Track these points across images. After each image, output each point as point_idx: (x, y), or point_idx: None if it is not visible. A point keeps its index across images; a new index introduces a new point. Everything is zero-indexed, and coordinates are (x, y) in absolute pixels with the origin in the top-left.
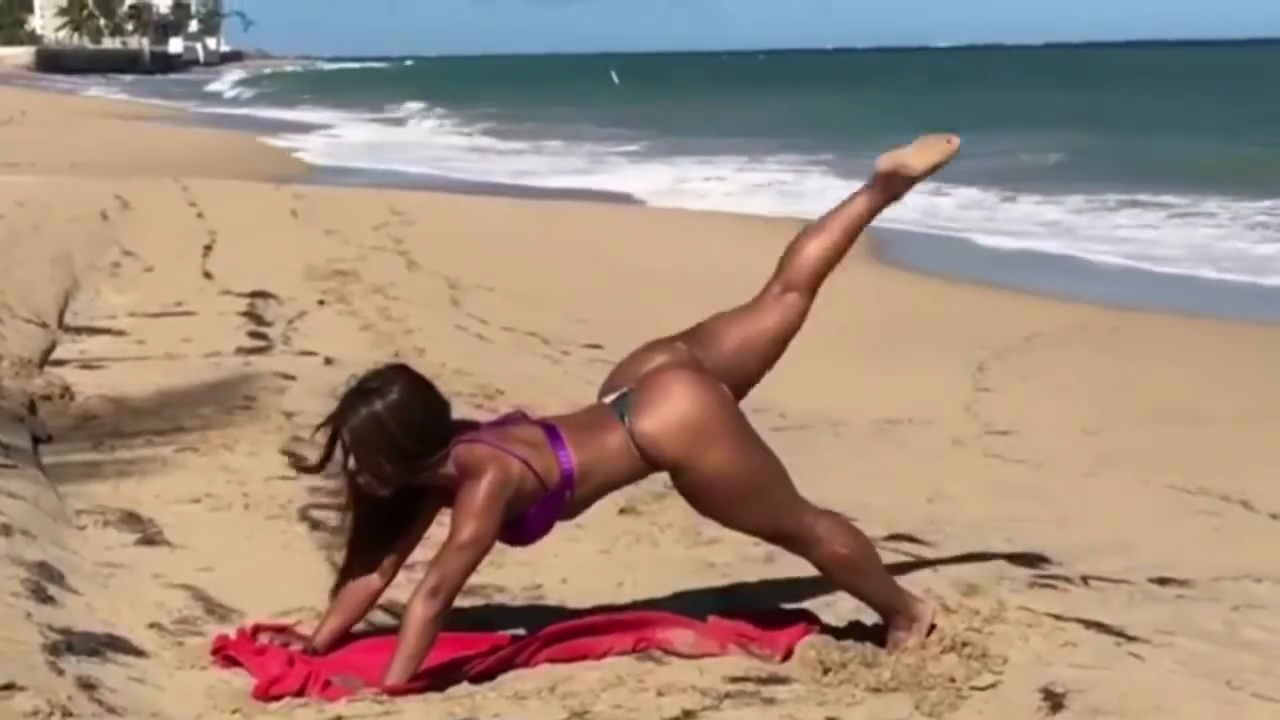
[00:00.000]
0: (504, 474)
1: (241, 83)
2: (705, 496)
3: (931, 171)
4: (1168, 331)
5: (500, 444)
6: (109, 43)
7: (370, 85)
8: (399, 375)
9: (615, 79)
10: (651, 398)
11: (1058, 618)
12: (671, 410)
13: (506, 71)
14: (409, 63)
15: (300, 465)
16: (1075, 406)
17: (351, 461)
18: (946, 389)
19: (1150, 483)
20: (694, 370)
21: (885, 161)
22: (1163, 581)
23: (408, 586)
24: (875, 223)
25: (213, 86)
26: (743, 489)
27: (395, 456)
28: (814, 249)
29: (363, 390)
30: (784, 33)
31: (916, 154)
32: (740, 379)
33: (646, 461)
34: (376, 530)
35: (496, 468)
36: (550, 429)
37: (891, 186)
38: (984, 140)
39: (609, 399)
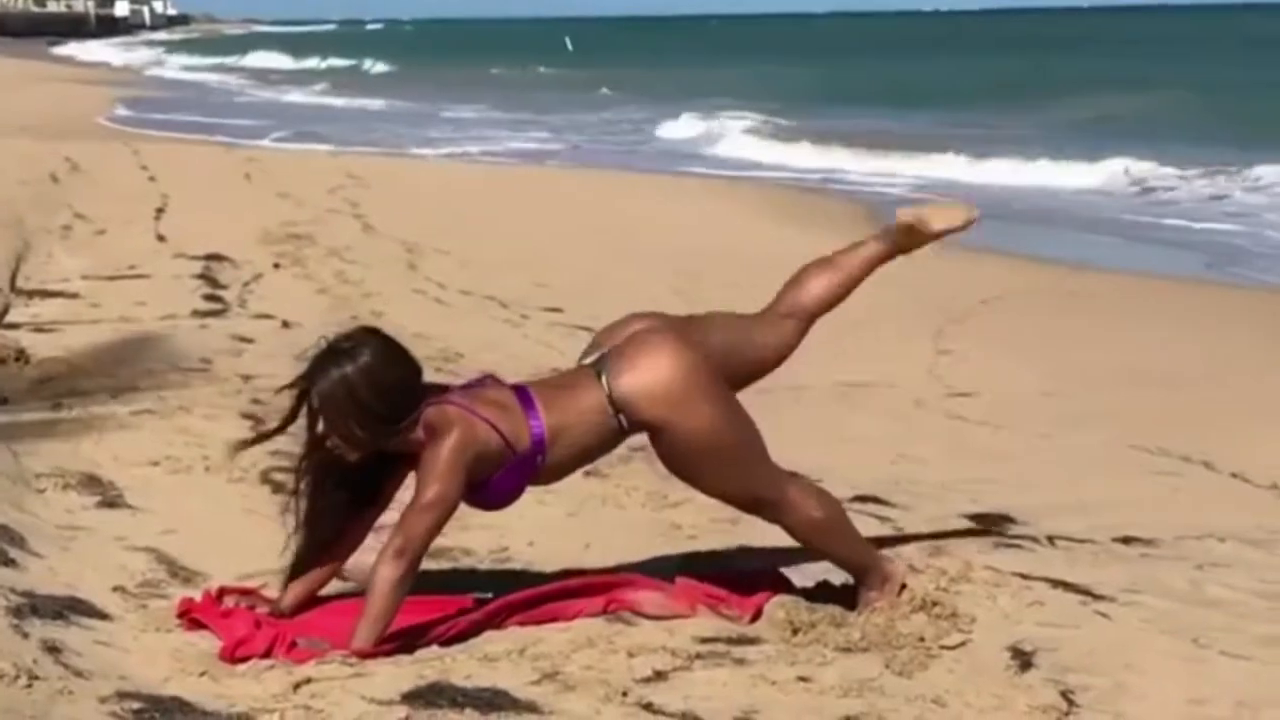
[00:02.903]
0: (469, 435)
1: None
2: (683, 459)
3: (947, 234)
4: (1125, 293)
5: (469, 406)
6: (54, 6)
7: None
8: (371, 337)
9: (569, 45)
10: (632, 358)
11: (1024, 577)
12: (651, 370)
13: (468, 36)
14: (332, 27)
15: (261, 433)
16: (1035, 369)
17: (320, 425)
18: (908, 352)
19: (1111, 443)
20: (675, 335)
21: (906, 215)
22: (1127, 540)
23: (376, 550)
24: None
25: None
26: (720, 452)
27: (366, 420)
28: (819, 285)
29: (334, 351)
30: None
31: (937, 215)
32: (721, 377)
33: (624, 423)
34: (344, 494)
35: (462, 428)
36: (522, 391)
37: (905, 240)
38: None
39: (588, 360)
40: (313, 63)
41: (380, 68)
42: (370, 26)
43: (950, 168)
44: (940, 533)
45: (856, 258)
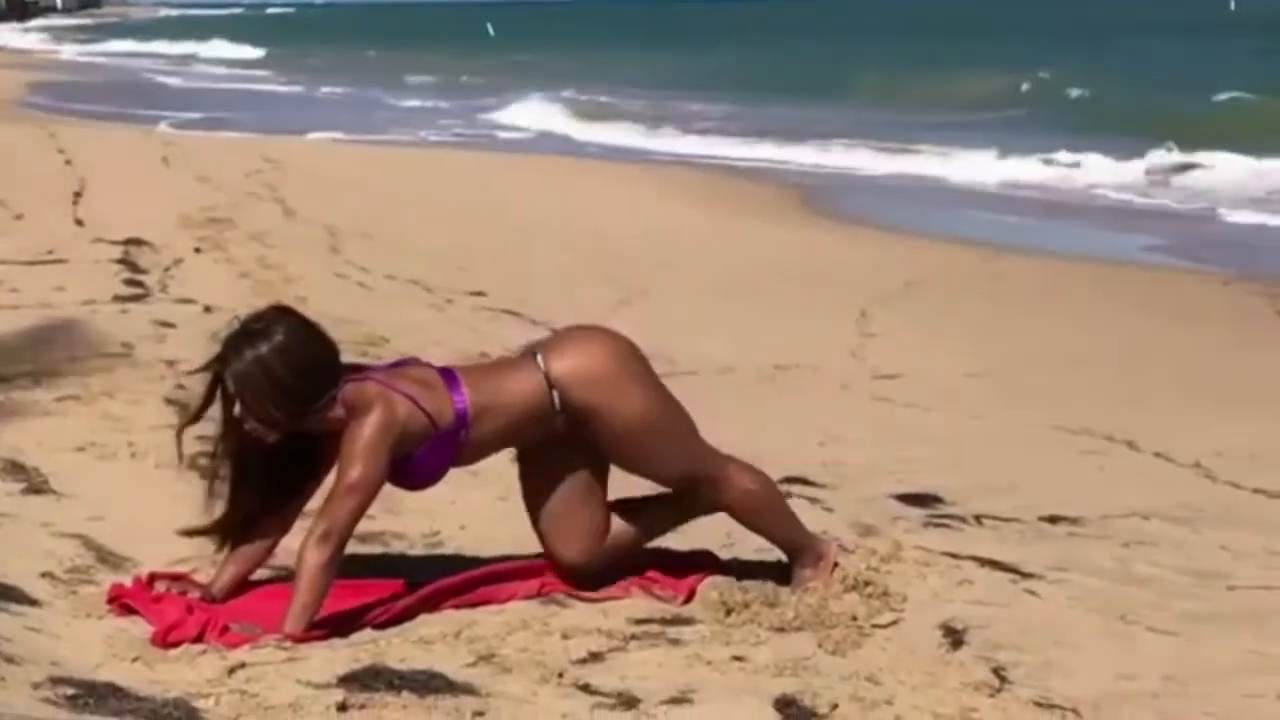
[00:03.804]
0: (390, 413)
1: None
2: (619, 441)
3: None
4: (1046, 276)
5: (388, 382)
6: None
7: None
8: (283, 316)
9: (490, 30)
10: (567, 342)
11: (953, 556)
12: (589, 354)
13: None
14: (278, 9)
15: (183, 421)
16: (959, 350)
17: (237, 407)
18: (832, 335)
19: (1035, 424)
20: (610, 330)
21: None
22: (1054, 520)
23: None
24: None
25: None
26: (656, 434)
27: (283, 400)
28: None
29: (246, 333)
30: None
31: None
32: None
33: (558, 402)
34: (270, 476)
35: (383, 406)
36: (447, 372)
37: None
38: None
39: (524, 346)
40: (189, 47)
41: (251, 53)
42: (272, 10)
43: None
44: (869, 513)
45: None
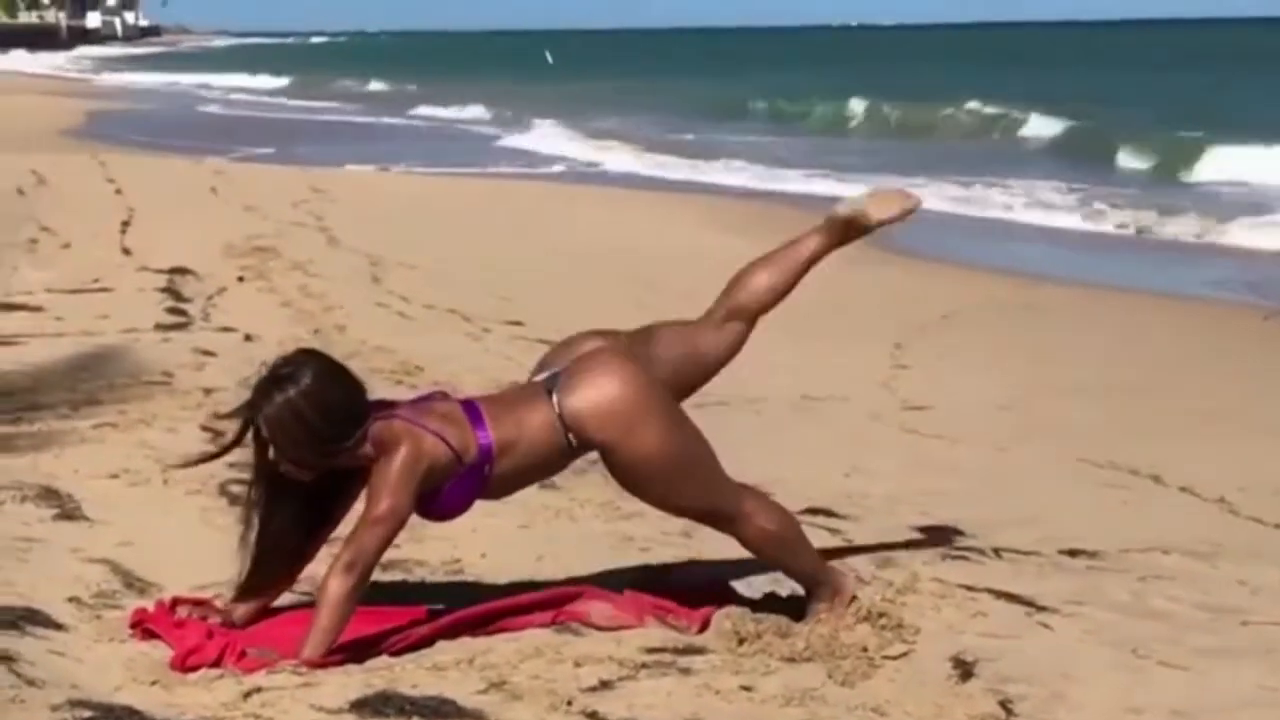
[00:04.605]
0: (417, 449)
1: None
2: (635, 478)
3: (887, 223)
4: (1081, 305)
5: (415, 419)
6: (25, 17)
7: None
8: (311, 360)
9: (549, 59)
10: (582, 378)
11: (969, 588)
12: (601, 391)
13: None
14: (318, 39)
15: (206, 455)
16: (991, 382)
17: (271, 450)
18: (865, 366)
19: (1063, 456)
20: (625, 354)
21: (843, 208)
22: (1073, 553)
23: (329, 561)
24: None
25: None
26: (672, 470)
27: (313, 442)
28: (760, 282)
29: (276, 378)
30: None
31: (875, 205)
32: (671, 389)
33: (573, 442)
34: (296, 511)
35: (410, 442)
36: (470, 406)
37: (844, 233)
38: None
39: (540, 377)
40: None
41: (273, 82)
42: (315, 40)
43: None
44: (889, 544)
45: (796, 254)
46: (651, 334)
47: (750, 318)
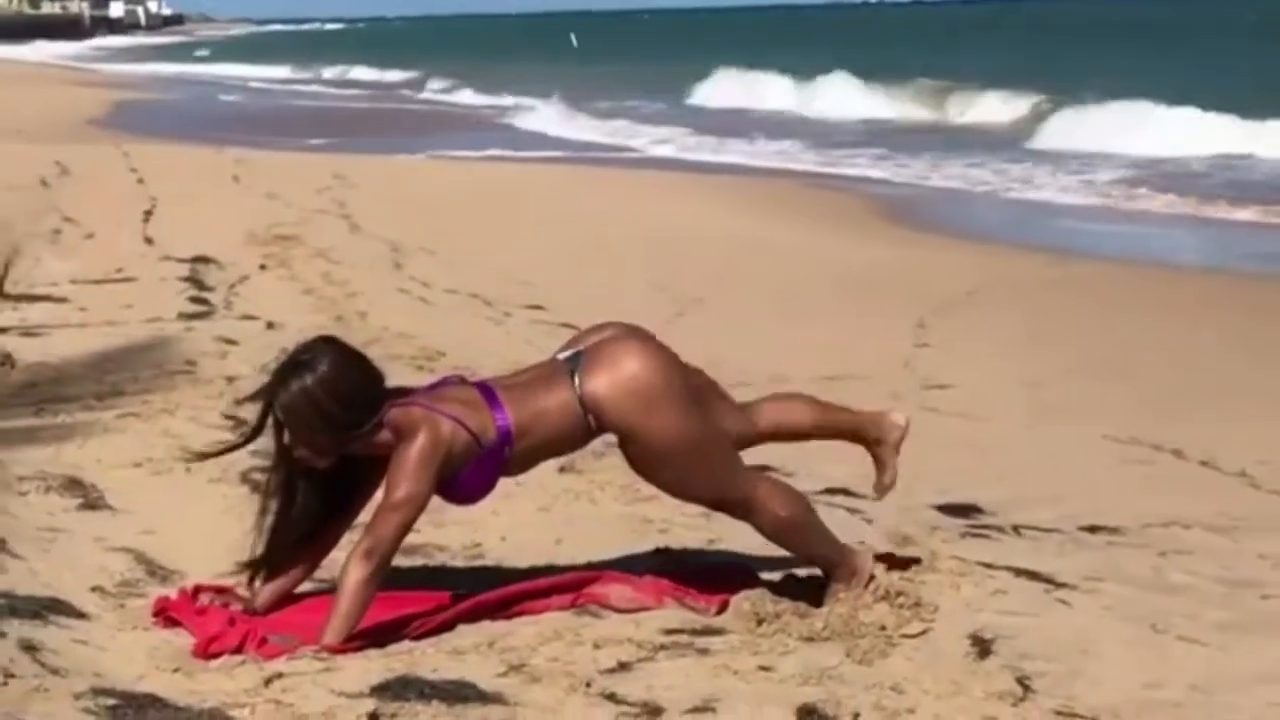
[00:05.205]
0: (436, 434)
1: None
2: (650, 464)
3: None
4: (1104, 282)
5: (432, 405)
6: (48, 7)
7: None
8: (328, 347)
9: (574, 41)
10: (603, 360)
11: (988, 566)
12: (621, 374)
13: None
14: (333, 25)
15: (228, 445)
16: (1014, 359)
17: (287, 435)
18: (887, 345)
19: (1085, 434)
20: (653, 341)
21: (900, 420)
22: (1093, 529)
23: (350, 548)
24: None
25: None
26: (686, 458)
27: (329, 428)
28: (800, 419)
29: (294, 364)
30: None
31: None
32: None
33: (592, 423)
34: (316, 499)
35: (428, 429)
36: (486, 388)
37: (877, 434)
38: None
39: (563, 355)
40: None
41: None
42: (330, 26)
43: None
44: (908, 523)
45: (838, 419)
46: (692, 370)
47: (767, 437)
